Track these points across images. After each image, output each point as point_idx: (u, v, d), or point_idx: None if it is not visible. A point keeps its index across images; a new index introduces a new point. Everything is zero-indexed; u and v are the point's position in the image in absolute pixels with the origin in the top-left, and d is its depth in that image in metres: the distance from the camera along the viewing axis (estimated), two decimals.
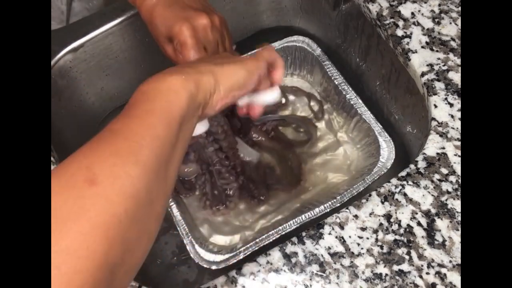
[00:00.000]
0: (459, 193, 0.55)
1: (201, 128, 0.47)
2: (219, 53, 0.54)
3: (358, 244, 0.52)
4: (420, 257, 0.51)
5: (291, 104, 0.77)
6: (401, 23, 0.67)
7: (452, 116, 0.60)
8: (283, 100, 0.77)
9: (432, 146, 0.58)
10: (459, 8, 0.68)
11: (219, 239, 0.67)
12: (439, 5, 0.69)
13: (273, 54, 0.50)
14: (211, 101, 0.41)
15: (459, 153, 0.57)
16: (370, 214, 0.54)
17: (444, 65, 0.64)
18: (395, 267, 0.51)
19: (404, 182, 0.56)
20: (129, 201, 0.30)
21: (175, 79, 0.38)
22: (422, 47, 0.65)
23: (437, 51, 0.65)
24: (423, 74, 0.63)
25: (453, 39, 0.66)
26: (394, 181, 0.56)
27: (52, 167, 0.59)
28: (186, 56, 0.50)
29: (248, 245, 0.58)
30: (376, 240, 0.53)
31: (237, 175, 0.69)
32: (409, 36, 0.66)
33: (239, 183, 0.69)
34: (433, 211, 0.54)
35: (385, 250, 0.52)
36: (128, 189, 0.30)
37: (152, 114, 0.35)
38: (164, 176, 0.35)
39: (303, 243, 0.53)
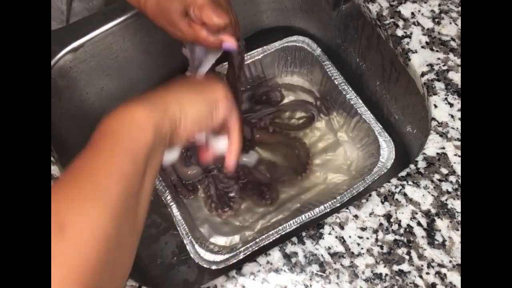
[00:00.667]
0: (459, 193, 0.55)
1: (171, 156, 0.46)
2: (231, 12, 0.53)
3: (358, 244, 0.52)
4: (420, 257, 0.51)
5: (291, 104, 0.78)
6: (401, 23, 0.67)
7: (452, 116, 0.60)
8: (279, 97, 0.77)
9: (432, 146, 0.58)
10: (459, 8, 0.68)
11: (219, 239, 0.67)
12: (439, 5, 0.69)
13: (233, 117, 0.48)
14: (178, 131, 0.41)
15: (459, 153, 0.57)
16: (370, 214, 0.54)
17: (444, 65, 0.64)
18: (395, 267, 0.51)
19: (404, 182, 0.56)
20: (100, 244, 0.30)
21: (140, 111, 0.38)
22: (422, 47, 0.65)
23: (437, 51, 0.65)
24: (423, 74, 0.63)
25: (453, 39, 0.66)
26: (394, 181, 0.56)
27: (52, 167, 0.59)
28: (206, 16, 0.49)
29: (248, 245, 0.58)
30: (376, 240, 0.53)
31: (237, 178, 0.70)
32: (409, 36, 0.66)
33: (239, 185, 0.69)
34: (433, 211, 0.54)
35: (385, 250, 0.52)
36: (98, 233, 0.30)
37: (118, 151, 0.35)
38: (134, 212, 0.34)
39: (303, 243, 0.53)
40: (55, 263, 0.28)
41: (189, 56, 0.56)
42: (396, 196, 0.55)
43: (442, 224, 0.53)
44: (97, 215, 0.31)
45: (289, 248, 0.53)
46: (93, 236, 0.30)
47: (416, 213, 0.54)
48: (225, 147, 0.49)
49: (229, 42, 0.51)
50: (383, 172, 0.63)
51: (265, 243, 0.59)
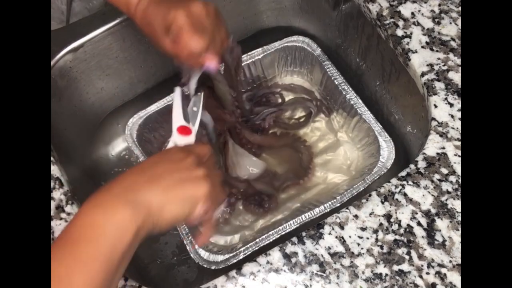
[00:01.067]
0: (459, 193, 0.55)
1: None
2: (215, 41, 0.52)
3: (358, 244, 0.52)
4: (420, 257, 0.51)
5: (290, 102, 0.77)
6: (401, 23, 0.67)
7: (452, 116, 0.60)
8: (279, 100, 0.77)
9: (432, 146, 0.58)
10: (459, 8, 0.68)
11: (219, 239, 0.67)
12: (439, 5, 0.69)
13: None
14: (155, 229, 0.42)
15: (459, 153, 0.57)
16: (370, 214, 0.54)
17: (444, 65, 0.64)
18: (395, 267, 0.51)
19: (404, 182, 0.56)
20: None
21: (125, 214, 0.38)
22: (422, 47, 0.65)
23: (437, 51, 0.65)
24: (423, 74, 0.63)
25: (453, 39, 0.66)
26: (394, 181, 0.56)
27: (52, 167, 0.59)
28: (184, 41, 0.49)
29: (248, 245, 0.58)
30: (376, 240, 0.53)
31: (231, 193, 0.69)
32: (409, 36, 0.66)
33: (231, 201, 0.69)
34: (433, 211, 0.54)
35: (385, 250, 0.52)
36: None
37: (97, 262, 0.36)
38: None
39: (303, 243, 0.53)
40: None
41: (181, 68, 0.56)
42: (396, 196, 0.55)
43: (442, 224, 0.53)
44: None
45: (289, 248, 0.53)
46: None
47: (416, 213, 0.54)
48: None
49: (210, 63, 0.51)
50: (383, 172, 0.63)
51: (265, 243, 0.59)
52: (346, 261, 0.51)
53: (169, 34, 0.50)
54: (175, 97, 0.55)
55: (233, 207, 0.69)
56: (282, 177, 0.70)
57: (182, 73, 0.56)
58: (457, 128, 0.59)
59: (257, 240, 0.59)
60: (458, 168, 0.56)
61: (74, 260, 0.36)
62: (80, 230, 0.37)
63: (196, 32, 0.49)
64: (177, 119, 0.54)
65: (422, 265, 0.51)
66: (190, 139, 0.53)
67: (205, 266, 0.58)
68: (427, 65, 0.64)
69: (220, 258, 0.58)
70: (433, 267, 0.51)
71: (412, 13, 0.68)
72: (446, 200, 0.55)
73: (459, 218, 0.53)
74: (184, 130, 0.53)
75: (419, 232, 0.53)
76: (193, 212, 0.43)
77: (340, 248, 0.52)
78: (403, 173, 0.57)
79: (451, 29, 0.66)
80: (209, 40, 0.50)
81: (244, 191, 0.69)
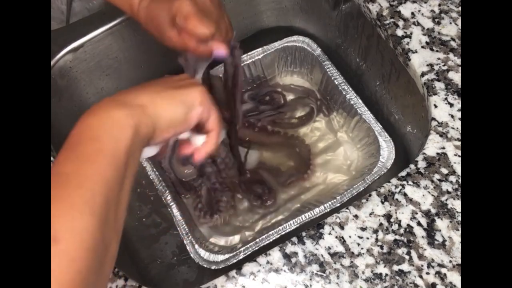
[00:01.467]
0: (459, 193, 0.55)
1: (149, 152, 0.46)
2: (221, 29, 0.52)
3: (358, 244, 0.52)
4: (420, 257, 0.51)
5: (291, 103, 0.77)
6: (401, 23, 0.67)
7: (452, 116, 0.60)
8: (282, 100, 0.77)
9: (432, 146, 0.58)
10: (459, 8, 0.68)
11: (219, 239, 0.67)
12: (439, 5, 0.69)
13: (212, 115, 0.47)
14: (154, 131, 0.41)
15: (459, 153, 0.57)
16: (370, 214, 0.54)
17: (444, 65, 0.64)
18: (395, 267, 0.51)
19: (404, 182, 0.56)
20: (89, 255, 0.31)
21: (119, 113, 0.38)
22: (422, 47, 0.65)
23: (437, 51, 0.65)
24: (423, 74, 0.63)
25: (453, 39, 0.66)
26: (394, 181, 0.56)
27: None
28: (191, 28, 0.49)
29: (248, 245, 0.58)
30: (376, 240, 0.53)
31: (231, 187, 0.69)
32: (409, 36, 0.66)
33: (233, 191, 0.69)
34: (433, 211, 0.54)
35: (385, 250, 0.52)
36: (88, 243, 0.31)
37: (101, 156, 0.35)
38: (114, 218, 0.35)
39: (303, 243, 0.53)
40: (51, 275, 0.29)
41: (184, 64, 0.56)
42: (396, 196, 0.55)
43: (442, 224, 0.53)
44: (86, 224, 0.32)
45: (289, 248, 0.53)
46: (85, 246, 0.31)
47: (416, 213, 0.54)
48: (201, 142, 0.49)
49: (219, 50, 0.51)
50: (383, 172, 0.63)
51: (265, 243, 0.59)
52: (346, 261, 0.51)
53: (175, 26, 0.50)
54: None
55: (234, 207, 0.69)
56: (285, 174, 0.70)
57: (186, 69, 0.56)
58: (457, 128, 0.59)
59: (257, 240, 0.59)
60: (458, 168, 0.56)
61: (78, 158, 0.35)
62: (78, 135, 0.37)
63: (203, 17, 0.49)
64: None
65: (422, 265, 0.51)
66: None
67: (205, 266, 0.58)
68: (427, 65, 0.64)
69: (220, 258, 0.58)
70: (433, 267, 0.51)
71: (412, 13, 0.68)
72: (446, 200, 0.55)
73: (459, 218, 0.53)
74: None
75: (419, 232, 0.53)
76: (189, 114, 0.43)
77: (340, 248, 0.52)
78: (403, 173, 0.57)
79: (451, 29, 0.66)
80: (216, 26, 0.50)
81: (249, 178, 0.69)
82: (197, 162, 0.49)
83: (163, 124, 0.41)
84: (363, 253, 0.52)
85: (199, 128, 0.47)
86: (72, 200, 0.32)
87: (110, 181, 0.35)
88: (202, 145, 0.48)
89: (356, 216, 0.54)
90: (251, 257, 0.53)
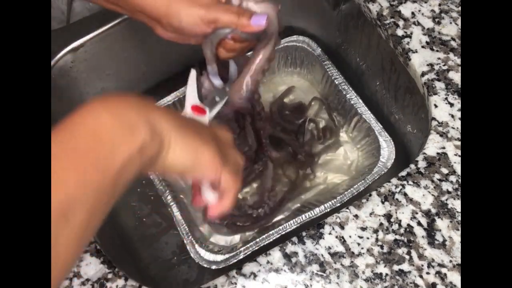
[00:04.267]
0: (459, 193, 0.55)
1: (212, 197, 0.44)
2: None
3: (358, 244, 0.52)
4: (420, 257, 0.51)
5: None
6: (401, 23, 0.67)
7: (452, 116, 0.60)
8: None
9: (432, 146, 0.58)
10: (459, 8, 0.68)
11: (219, 239, 0.67)
12: (439, 5, 0.69)
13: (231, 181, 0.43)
14: (163, 158, 0.36)
15: (459, 153, 0.57)
16: (370, 214, 0.54)
17: (444, 65, 0.64)
18: (395, 267, 0.51)
19: (404, 182, 0.56)
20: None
21: (133, 114, 0.34)
22: (423, 47, 0.65)
23: (437, 51, 0.65)
24: (423, 74, 0.63)
25: (453, 39, 0.66)
26: (394, 181, 0.56)
27: None
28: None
29: (248, 245, 0.58)
30: (376, 240, 0.53)
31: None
32: (409, 36, 0.66)
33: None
34: (433, 211, 0.54)
35: (385, 250, 0.52)
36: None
37: (93, 157, 0.32)
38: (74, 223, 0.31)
39: (303, 243, 0.53)
40: None
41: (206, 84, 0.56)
42: (396, 196, 0.55)
43: (442, 224, 0.53)
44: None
45: (289, 248, 0.53)
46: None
47: (416, 213, 0.54)
48: (213, 200, 0.45)
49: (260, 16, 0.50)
50: (383, 172, 0.63)
51: (265, 243, 0.59)
52: (346, 261, 0.51)
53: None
54: (191, 77, 0.55)
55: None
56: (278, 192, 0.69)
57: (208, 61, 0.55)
58: (457, 128, 0.59)
59: (257, 240, 0.59)
60: (458, 168, 0.56)
61: (75, 153, 0.31)
62: (82, 127, 0.32)
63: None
64: (192, 99, 0.53)
65: (422, 265, 0.51)
66: (204, 119, 0.52)
67: (205, 266, 0.58)
68: (427, 65, 0.64)
69: (220, 258, 0.58)
70: (433, 267, 0.51)
71: (412, 13, 0.68)
72: (446, 200, 0.55)
73: (459, 218, 0.53)
74: (198, 110, 0.53)
75: (419, 232, 0.53)
76: (195, 169, 0.39)
77: (340, 248, 0.52)
78: (403, 173, 0.57)
79: (451, 29, 0.66)
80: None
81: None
82: (210, 219, 0.45)
83: (172, 160, 0.37)
84: (363, 253, 0.52)
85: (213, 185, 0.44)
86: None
87: (88, 188, 0.31)
88: (217, 203, 0.45)
89: (356, 216, 0.54)
90: (251, 257, 0.53)
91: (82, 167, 0.31)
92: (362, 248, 0.52)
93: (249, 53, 0.57)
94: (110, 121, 0.33)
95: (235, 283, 0.51)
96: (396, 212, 0.54)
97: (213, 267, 0.58)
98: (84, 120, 0.33)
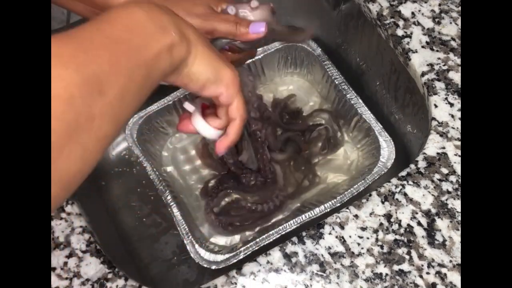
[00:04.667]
0: (459, 193, 0.55)
1: (214, 133, 0.45)
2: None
3: (359, 244, 0.52)
4: (420, 257, 0.51)
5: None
6: (401, 22, 0.67)
7: (452, 116, 0.60)
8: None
9: (432, 146, 0.58)
10: (459, 8, 0.68)
11: (219, 239, 0.67)
12: (440, 4, 0.69)
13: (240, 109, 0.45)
14: (188, 65, 0.39)
15: (459, 153, 0.57)
16: (371, 214, 0.54)
17: (444, 65, 0.64)
18: (395, 267, 0.51)
19: (404, 182, 0.56)
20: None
21: (165, 20, 0.36)
22: (423, 46, 0.65)
23: (437, 51, 0.65)
24: (423, 74, 0.63)
25: (453, 39, 0.66)
26: (394, 181, 0.56)
27: None
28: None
29: (248, 245, 0.58)
30: (376, 240, 0.53)
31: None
32: (409, 36, 0.66)
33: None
34: (433, 211, 0.54)
35: (385, 250, 0.52)
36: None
37: (126, 46, 0.33)
38: (104, 101, 0.32)
39: (303, 243, 0.53)
40: None
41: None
42: (396, 196, 0.55)
43: (442, 224, 0.53)
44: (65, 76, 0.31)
45: (289, 248, 0.53)
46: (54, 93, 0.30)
47: (416, 213, 0.54)
48: (211, 135, 0.47)
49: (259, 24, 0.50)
50: (383, 172, 0.63)
51: (265, 243, 0.59)
52: (346, 261, 0.52)
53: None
54: (188, 108, 0.50)
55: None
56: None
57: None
58: (457, 128, 0.59)
59: (257, 240, 0.59)
60: (458, 168, 0.56)
61: (114, 44, 0.33)
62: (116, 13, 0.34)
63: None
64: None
65: (422, 265, 0.51)
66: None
67: (205, 266, 0.58)
68: (427, 65, 0.64)
69: (220, 258, 0.58)
70: (433, 267, 0.51)
71: (412, 13, 0.68)
72: (446, 200, 0.55)
73: (459, 218, 0.53)
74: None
75: (419, 232, 0.53)
76: (211, 84, 0.41)
77: (340, 248, 0.52)
78: (403, 173, 0.57)
79: (451, 29, 0.66)
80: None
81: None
82: (219, 154, 0.47)
83: (194, 70, 0.39)
84: (363, 253, 0.52)
85: (209, 111, 0.46)
86: (63, 49, 0.31)
87: (121, 68, 0.32)
88: (223, 137, 0.46)
89: (356, 216, 0.54)
90: (251, 257, 0.53)
91: (115, 51, 0.33)
92: (362, 248, 0.52)
93: (248, 61, 0.57)
94: (144, 18, 0.35)
95: (235, 283, 0.51)
96: (396, 212, 0.54)
97: (213, 267, 0.58)
98: (119, 15, 0.34)
